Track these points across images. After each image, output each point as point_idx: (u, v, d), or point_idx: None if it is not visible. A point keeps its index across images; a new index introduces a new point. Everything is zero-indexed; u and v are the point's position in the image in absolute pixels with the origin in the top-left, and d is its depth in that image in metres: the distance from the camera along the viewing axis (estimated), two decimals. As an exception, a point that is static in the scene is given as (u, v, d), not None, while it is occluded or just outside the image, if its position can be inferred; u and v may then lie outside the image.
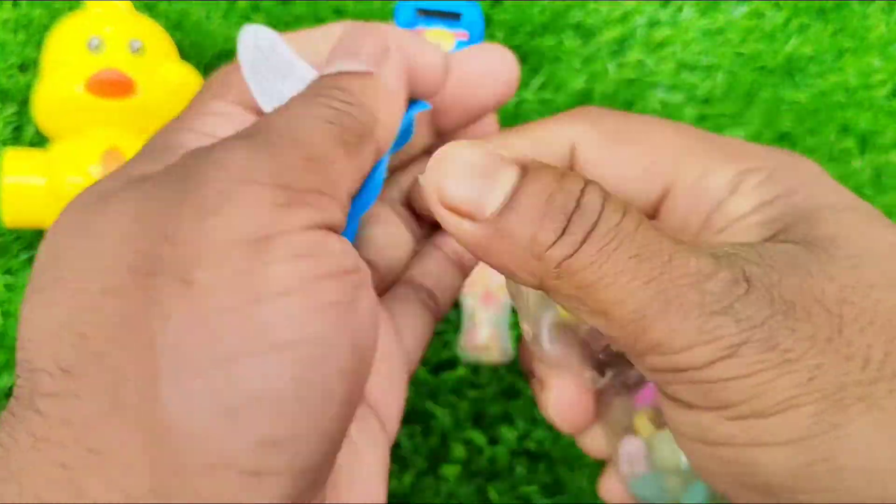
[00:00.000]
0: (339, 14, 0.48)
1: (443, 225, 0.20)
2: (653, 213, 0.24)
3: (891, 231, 0.20)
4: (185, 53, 0.46)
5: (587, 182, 0.19)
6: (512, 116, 0.47)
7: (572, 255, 0.18)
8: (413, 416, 0.42)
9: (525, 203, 0.19)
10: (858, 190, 0.48)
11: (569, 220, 0.18)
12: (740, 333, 0.18)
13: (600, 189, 0.19)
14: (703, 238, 0.22)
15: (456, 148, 0.19)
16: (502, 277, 0.42)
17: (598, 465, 0.42)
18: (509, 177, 0.19)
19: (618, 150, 0.24)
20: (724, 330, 0.18)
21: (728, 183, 0.22)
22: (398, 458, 0.42)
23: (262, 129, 0.20)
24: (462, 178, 0.19)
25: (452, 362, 0.43)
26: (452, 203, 0.19)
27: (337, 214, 0.20)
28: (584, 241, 0.18)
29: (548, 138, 0.25)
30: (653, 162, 0.23)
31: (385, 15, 0.48)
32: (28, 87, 0.44)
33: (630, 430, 0.26)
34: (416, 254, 0.28)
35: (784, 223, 0.20)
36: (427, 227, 0.28)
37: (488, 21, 0.49)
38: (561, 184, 0.19)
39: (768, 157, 0.22)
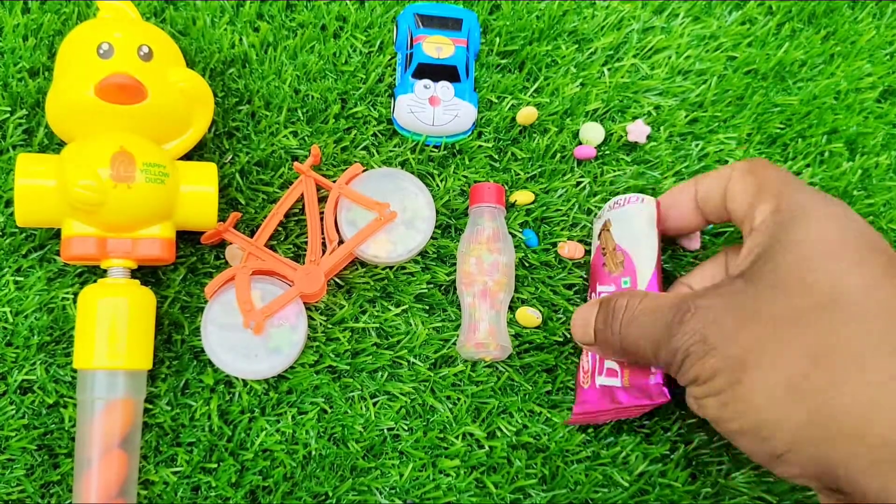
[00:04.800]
0: (343, 21, 0.49)
1: (585, 348, 0.42)
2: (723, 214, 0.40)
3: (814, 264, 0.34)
4: (192, 59, 0.47)
5: (617, 296, 0.39)
6: (510, 119, 0.48)
7: (619, 336, 0.38)
8: (413, 412, 0.43)
9: (598, 327, 0.39)
10: (847, 192, 0.49)
11: (611, 322, 0.38)
12: (687, 341, 0.34)
13: (625, 296, 0.38)
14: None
15: (575, 315, 0.41)
16: (500, 276, 0.44)
17: (594, 459, 0.43)
18: (593, 317, 0.39)
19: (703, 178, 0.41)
20: (680, 342, 0.34)
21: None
22: (398, 452, 0.42)
23: None
24: (579, 330, 0.40)
25: (451, 359, 0.44)
26: (582, 341, 0.41)
27: None
28: (620, 328, 0.37)
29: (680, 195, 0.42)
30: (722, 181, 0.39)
31: (386, 22, 0.49)
32: (38, 92, 0.45)
33: None
34: None
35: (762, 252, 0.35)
36: None
37: (486, 28, 0.50)
38: (607, 305, 0.39)
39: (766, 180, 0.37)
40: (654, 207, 0.42)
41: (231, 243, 0.44)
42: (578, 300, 0.46)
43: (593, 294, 0.43)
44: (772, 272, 0.33)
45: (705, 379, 0.33)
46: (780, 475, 0.32)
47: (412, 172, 0.46)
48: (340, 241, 0.44)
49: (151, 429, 0.42)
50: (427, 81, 0.46)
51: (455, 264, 0.45)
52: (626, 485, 0.43)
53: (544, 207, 0.47)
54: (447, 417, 0.43)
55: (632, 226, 0.42)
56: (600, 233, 0.44)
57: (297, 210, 0.45)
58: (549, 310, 0.45)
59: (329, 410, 0.43)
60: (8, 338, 0.42)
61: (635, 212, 0.42)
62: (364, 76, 0.48)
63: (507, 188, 0.47)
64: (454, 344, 0.44)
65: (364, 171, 0.46)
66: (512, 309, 0.45)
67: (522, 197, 0.46)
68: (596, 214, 0.47)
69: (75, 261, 0.40)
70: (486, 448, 0.43)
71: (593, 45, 0.50)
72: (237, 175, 0.45)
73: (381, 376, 0.43)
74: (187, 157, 0.44)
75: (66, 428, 0.41)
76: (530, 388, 0.44)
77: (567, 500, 0.42)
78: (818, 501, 0.35)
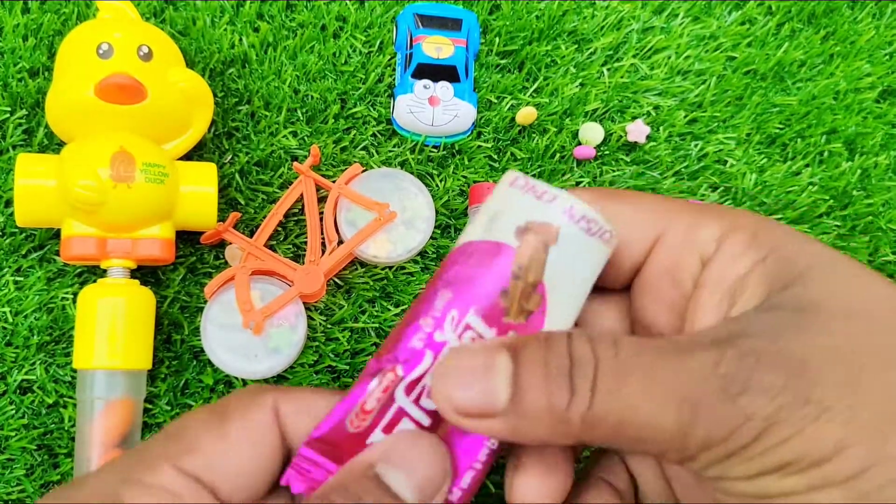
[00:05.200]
0: (342, 21, 0.49)
1: (464, 428, 0.22)
2: (641, 262, 0.26)
3: (869, 281, 0.22)
4: (192, 59, 0.47)
5: (569, 335, 0.22)
6: (509, 119, 0.48)
7: (590, 406, 0.20)
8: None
9: (528, 382, 0.21)
10: (846, 192, 0.49)
11: (571, 377, 0.21)
12: (772, 402, 0.19)
13: (584, 335, 0.21)
14: (700, 296, 0.24)
15: (448, 360, 0.22)
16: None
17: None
18: (504, 364, 0.21)
19: (612, 205, 0.25)
20: (756, 405, 0.19)
21: (715, 239, 0.24)
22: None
23: None
24: (465, 385, 0.22)
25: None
26: (467, 410, 0.22)
27: None
28: (593, 390, 0.20)
29: None
30: (645, 215, 0.25)
31: (386, 22, 0.49)
32: (38, 92, 0.45)
33: None
34: None
35: (781, 282, 0.22)
36: None
37: (486, 28, 0.50)
38: (548, 347, 0.21)
39: (743, 216, 0.24)
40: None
41: (230, 243, 0.44)
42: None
43: (420, 323, 0.24)
44: (819, 299, 0.21)
45: (818, 460, 0.19)
46: None
47: (412, 172, 0.46)
48: (340, 242, 0.44)
49: (151, 429, 0.42)
50: (427, 81, 0.46)
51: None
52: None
53: (544, 207, 0.47)
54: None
55: (575, 268, 0.24)
56: (520, 234, 0.24)
57: (297, 210, 0.45)
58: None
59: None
60: (8, 338, 0.42)
61: (595, 251, 0.24)
62: (364, 76, 0.48)
63: (506, 188, 0.47)
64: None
65: (363, 171, 0.46)
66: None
67: (522, 197, 0.46)
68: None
69: (75, 261, 0.40)
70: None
71: (593, 45, 0.50)
72: (237, 175, 0.45)
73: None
74: (187, 157, 0.44)
75: (66, 428, 0.41)
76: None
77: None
78: None
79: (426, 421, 0.24)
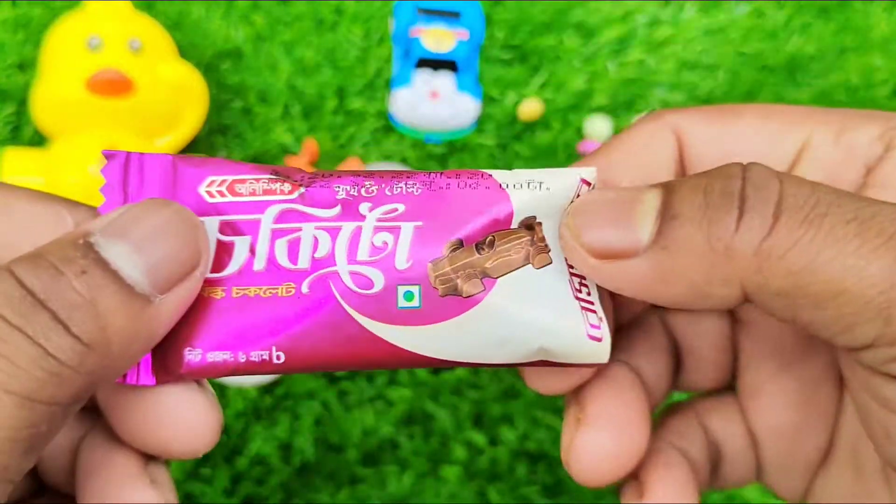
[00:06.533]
0: (339, 13, 0.48)
1: (601, 281, 0.17)
2: None
3: None
4: (185, 53, 0.46)
5: (743, 164, 0.16)
6: (513, 114, 0.47)
7: (770, 233, 0.15)
8: (413, 418, 0.42)
9: (683, 207, 0.16)
10: (860, 189, 0.48)
11: (742, 199, 0.15)
12: None
13: (764, 166, 0.16)
14: None
15: (586, 197, 0.18)
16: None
17: (599, 466, 0.42)
18: (652, 196, 0.17)
19: (734, 123, 0.20)
20: None
21: (877, 138, 0.19)
22: (398, 459, 0.41)
23: None
24: (602, 220, 0.17)
25: (453, 363, 0.43)
26: (602, 249, 0.17)
27: None
28: (776, 215, 0.15)
29: (645, 143, 0.20)
30: (778, 125, 0.19)
31: (385, 14, 0.48)
32: (27, 87, 0.44)
33: None
34: None
35: None
36: None
37: (488, 20, 0.49)
38: (711, 173, 0.16)
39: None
40: None
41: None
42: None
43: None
44: None
45: None
46: None
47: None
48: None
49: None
50: (427, 76, 0.45)
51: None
52: (633, 492, 0.42)
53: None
54: (448, 423, 0.42)
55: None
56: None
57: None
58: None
59: (326, 416, 0.42)
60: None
61: None
62: (362, 70, 0.47)
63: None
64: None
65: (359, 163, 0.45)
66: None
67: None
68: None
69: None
70: (489, 455, 0.42)
71: (599, 39, 0.49)
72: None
73: (380, 381, 0.42)
74: (179, 154, 0.43)
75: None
76: (533, 393, 0.43)
77: (572, 508, 0.41)
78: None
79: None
